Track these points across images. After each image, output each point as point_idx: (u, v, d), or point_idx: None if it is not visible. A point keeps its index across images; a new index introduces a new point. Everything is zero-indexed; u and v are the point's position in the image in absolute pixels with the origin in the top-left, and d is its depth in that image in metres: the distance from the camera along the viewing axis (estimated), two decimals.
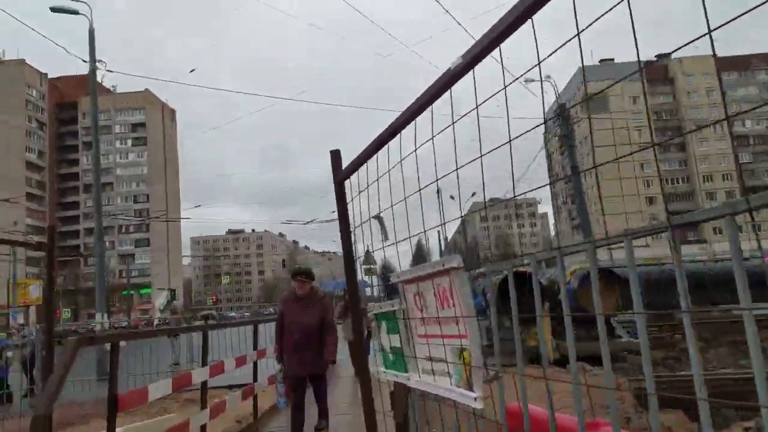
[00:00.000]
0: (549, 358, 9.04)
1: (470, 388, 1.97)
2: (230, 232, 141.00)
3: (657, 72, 74.16)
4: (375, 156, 2.33)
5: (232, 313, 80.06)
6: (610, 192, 66.25)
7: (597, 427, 3.20)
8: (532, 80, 21.46)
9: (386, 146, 2.21)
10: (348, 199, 2.82)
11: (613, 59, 73.52)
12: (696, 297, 11.37)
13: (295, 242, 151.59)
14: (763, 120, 71.42)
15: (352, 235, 2.88)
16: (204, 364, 5.67)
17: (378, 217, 2.79)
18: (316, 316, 5.29)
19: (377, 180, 2.38)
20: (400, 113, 1.99)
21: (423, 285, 2.26)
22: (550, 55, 1.24)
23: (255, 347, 7.67)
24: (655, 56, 76.52)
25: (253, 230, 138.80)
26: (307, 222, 37.11)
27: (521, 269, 9.96)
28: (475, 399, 1.94)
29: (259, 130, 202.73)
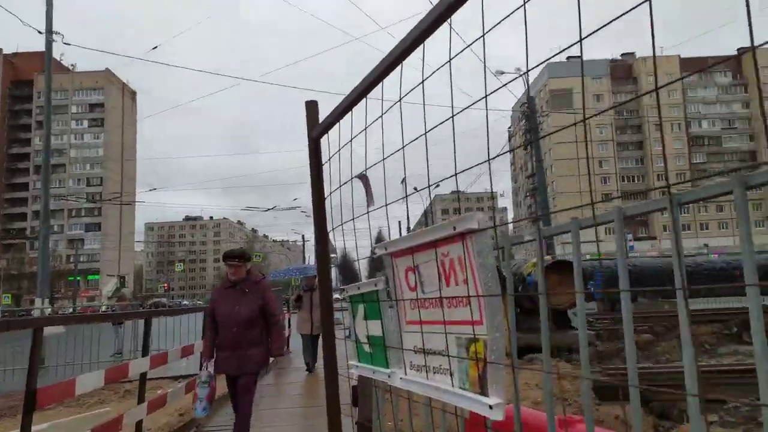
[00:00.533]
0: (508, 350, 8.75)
1: (483, 391, 1.47)
2: (187, 218, 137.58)
3: (621, 71, 75.68)
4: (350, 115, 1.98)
5: (185, 302, 78.11)
6: (566, 189, 67.39)
7: (572, 424, 2.84)
8: (503, 72, 21.27)
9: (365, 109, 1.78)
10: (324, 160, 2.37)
11: (580, 57, 74.50)
12: (651, 290, 11.27)
13: (254, 230, 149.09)
14: (718, 121, 73.96)
15: (328, 200, 2.38)
16: (145, 353, 5.03)
17: (362, 176, 2.27)
18: (255, 305, 4.59)
19: (365, 130, 1.91)
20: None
21: (421, 256, 1.74)
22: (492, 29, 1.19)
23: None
24: (620, 55, 78.41)
25: (211, 217, 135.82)
26: (268, 209, 36.08)
27: None
28: (491, 407, 1.43)
29: (221, 114, 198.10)
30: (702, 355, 10.13)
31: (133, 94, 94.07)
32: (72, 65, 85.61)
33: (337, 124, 2.12)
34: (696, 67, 74.65)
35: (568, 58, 74.31)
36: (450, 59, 1.42)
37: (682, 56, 74.87)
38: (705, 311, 11.63)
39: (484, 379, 1.44)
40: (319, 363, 9.02)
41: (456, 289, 1.57)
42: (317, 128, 2.36)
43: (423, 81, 1.53)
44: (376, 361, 2.12)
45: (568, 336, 8.94)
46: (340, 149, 2.13)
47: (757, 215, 71.79)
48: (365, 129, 1.90)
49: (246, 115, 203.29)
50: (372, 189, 2.20)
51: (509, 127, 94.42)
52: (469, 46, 1.39)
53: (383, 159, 1.87)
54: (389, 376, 1.98)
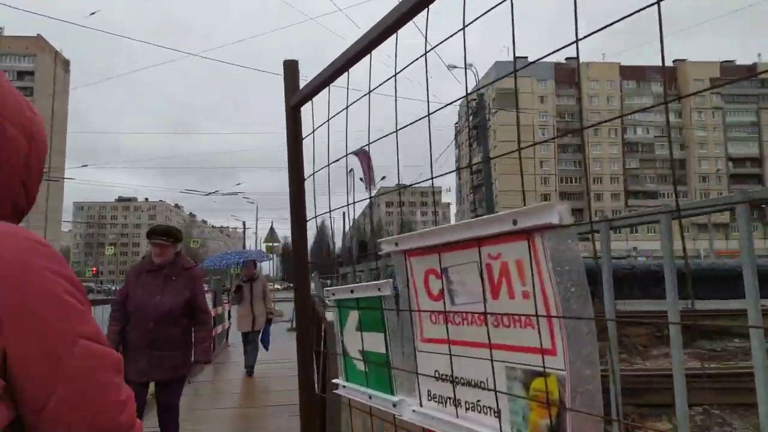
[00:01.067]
0: None
1: None
2: (120, 199, 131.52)
3: (565, 74, 77.93)
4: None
5: (114, 287, 74.60)
6: (508, 187, 68.90)
7: None
8: (455, 66, 21.17)
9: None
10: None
11: (527, 57, 76.36)
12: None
13: (191, 215, 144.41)
14: (652, 129, 77.50)
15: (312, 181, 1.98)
16: None
17: (362, 152, 1.84)
18: (181, 296, 3.74)
19: (368, 93, 1.58)
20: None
21: (453, 256, 1.32)
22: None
23: None
24: (565, 59, 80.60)
25: (146, 199, 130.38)
26: (209, 193, 34.66)
27: None
28: None
29: (161, 90, 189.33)
30: (636, 356, 10.31)
31: (66, 63, 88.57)
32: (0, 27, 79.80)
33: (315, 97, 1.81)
34: (634, 75, 77.89)
35: (516, 58, 76.00)
36: (426, 52, 1.29)
37: (622, 64, 77.92)
38: (637, 313, 11.87)
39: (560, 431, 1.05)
40: (263, 365, 8.46)
41: (512, 304, 1.17)
42: (296, 95, 1.97)
43: (395, 75, 1.40)
44: (375, 384, 1.70)
45: None
46: (329, 119, 1.76)
47: (686, 222, 75.83)
48: (347, 107, 1.64)
49: (188, 93, 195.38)
50: (373, 170, 1.80)
51: (456, 123, 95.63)
52: (461, 29, 1.06)
53: (368, 143, 1.56)
54: (395, 405, 1.57)
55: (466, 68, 1.25)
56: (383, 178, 45.60)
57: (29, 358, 0.67)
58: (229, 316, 12.32)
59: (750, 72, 77.97)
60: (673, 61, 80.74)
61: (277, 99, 1.92)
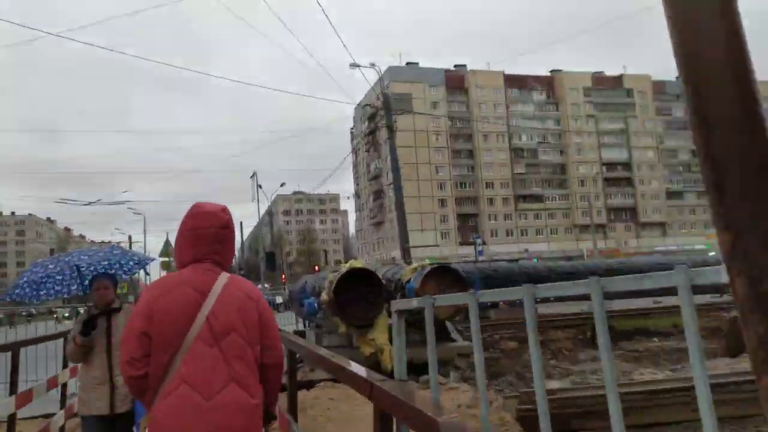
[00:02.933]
0: (386, 368, 7.74)
1: None
2: None
3: (455, 81, 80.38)
4: None
5: None
6: (408, 192, 69.54)
7: None
8: (358, 65, 20.57)
9: None
10: None
11: (417, 63, 78.12)
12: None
13: (67, 229, 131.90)
14: (535, 136, 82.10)
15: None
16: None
17: None
18: None
19: None
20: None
21: None
22: None
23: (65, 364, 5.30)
24: (453, 66, 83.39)
25: (12, 213, 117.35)
26: (89, 203, 31.18)
27: (358, 265, 8.03)
28: None
29: (24, 83, 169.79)
30: (563, 360, 10.20)
31: None
32: None
33: None
34: (518, 83, 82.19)
35: (407, 63, 77.52)
36: None
37: (506, 72, 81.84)
38: (561, 316, 11.92)
39: None
40: None
41: None
42: None
43: None
44: None
45: (447, 349, 8.19)
46: None
47: (567, 222, 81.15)
48: None
49: (52, 88, 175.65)
50: None
51: (352, 128, 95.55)
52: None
53: None
54: None
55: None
56: (282, 184, 44.15)
57: (269, 327, 2.24)
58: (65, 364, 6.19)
59: (616, 82, 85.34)
60: (550, 71, 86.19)
61: (152, 85, 0.97)
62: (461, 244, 73.05)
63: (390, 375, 7.72)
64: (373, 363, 7.74)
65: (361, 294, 8.39)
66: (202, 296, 2.08)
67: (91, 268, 4.79)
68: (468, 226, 77.31)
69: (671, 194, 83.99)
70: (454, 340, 8.82)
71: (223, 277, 2.17)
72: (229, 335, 2.05)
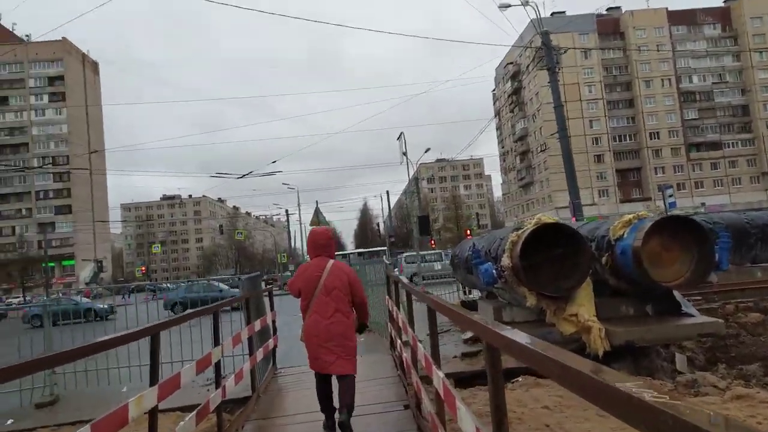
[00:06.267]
0: (595, 351, 6.16)
1: None
2: (165, 197, 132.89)
3: (608, 26, 72.82)
4: None
5: (169, 285, 74.85)
6: (556, 152, 64.89)
7: None
8: (509, 5, 18.45)
9: None
10: None
11: (564, 12, 71.55)
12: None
13: (235, 207, 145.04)
14: (708, 76, 71.72)
15: None
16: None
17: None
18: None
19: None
20: None
21: None
22: None
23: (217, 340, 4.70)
24: (606, 9, 75.40)
25: (189, 195, 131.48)
26: (242, 176, 33.23)
27: (549, 221, 6.00)
28: None
29: (185, 87, 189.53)
30: None
31: (95, 65, 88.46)
32: (27, 35, 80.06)
33: None
34: (684, 20, 72.15)
35: (553, 14, 71.29)
36: None
37: (669, 9, 72.22)
38: None
39: None
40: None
41: None
42: None
43: None
44: None
45: (682, 327, 6.30)
46: None
47: (753, 170, 70.43)
48: None
49: (213, 88, 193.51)
50: None
51: (493, 90, 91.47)
52: None
53: None
54: None
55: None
56: (427, 150, 43.08)
57: (356, 286, 4.50)
58: (275, 331, 7.53)
59: None
60: (724, 1, 74.40)
61: None
62: (622, 201, 66.75)
63: (600, 360, 6.22)
64: (577, 347, 6.19)
65: (553, 257, 6.80)
66: (321, 271, 4.35)
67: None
68: (630, 181, 70.37)
69: None
70: (690, 315, 6.60)
71: (330, 262, 4.44)
72: (334, 290, 4.31)
